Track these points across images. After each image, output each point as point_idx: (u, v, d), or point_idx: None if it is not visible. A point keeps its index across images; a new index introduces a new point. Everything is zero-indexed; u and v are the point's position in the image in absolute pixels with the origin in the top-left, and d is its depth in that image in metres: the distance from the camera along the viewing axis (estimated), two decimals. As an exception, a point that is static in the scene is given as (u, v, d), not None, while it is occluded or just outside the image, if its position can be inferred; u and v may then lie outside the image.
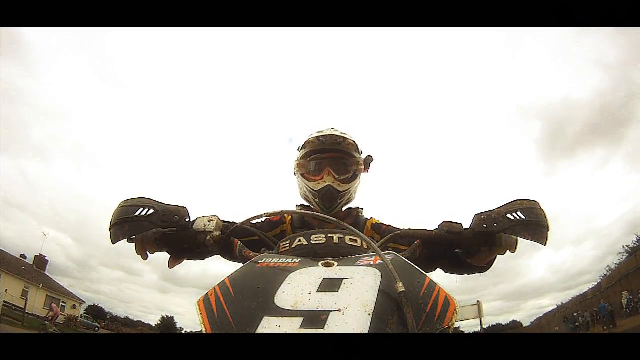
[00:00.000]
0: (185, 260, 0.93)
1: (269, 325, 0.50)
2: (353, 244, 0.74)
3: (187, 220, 0.83)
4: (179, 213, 0.81)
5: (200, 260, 0.99)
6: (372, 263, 0.64)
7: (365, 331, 0.48)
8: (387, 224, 1.27)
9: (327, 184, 1.16)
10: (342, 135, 1.22)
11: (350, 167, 1.22)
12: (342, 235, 0.75)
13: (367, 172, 1.30)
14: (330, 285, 0.57)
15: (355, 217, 1.30)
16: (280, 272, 0.62)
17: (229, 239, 0.87)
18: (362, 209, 1.35)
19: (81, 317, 29.60)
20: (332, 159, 1.21)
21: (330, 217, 0.79)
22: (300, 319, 0.50)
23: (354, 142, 1.23)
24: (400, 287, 0.53)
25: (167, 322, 50.56)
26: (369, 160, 1.29)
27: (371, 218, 1.31)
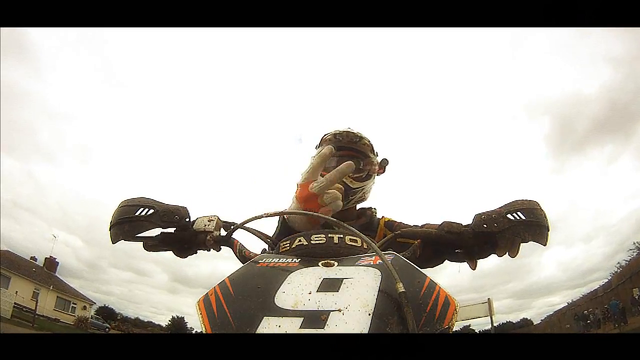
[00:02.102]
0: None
1: (269, 325, 0.49)
2: (353, 244, 0.73)
3: (187, 220, 0.83)
4: (179, 213, 0.81)
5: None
6: (372, 263, 0.63)
7: (365, 331, 0.48)
8: (399, 222, 1.27)
9: None
10: (359, 134, 1.24)
11: (364, 166, 1.24)
12: (342, 235, 0.74)
13: (382, 173, 1.31)
14: (330, 285, 0.56)
15: (369, 217, 1.31)
16: (280, 272, 0.62)
17: (229, 239, 0.87)
18: (375, 208, 1.35)
19: (91, 318, 30.00)
20: (347, 157, 1.22)
21: (331, 218, 0.78)
22: (300, 319, 0.50)
23: (369, 142, 1.26)
24: (400, 287, 0.52)
25: (177, 322, 50.95)
26: (384, 163, 1.30)
27: (383, 217, 1.32)
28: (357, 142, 1.22)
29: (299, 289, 0.56)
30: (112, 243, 0.78)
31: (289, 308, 0.52)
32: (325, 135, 1.28)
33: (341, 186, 0.89)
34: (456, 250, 0.87)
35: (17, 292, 21.51)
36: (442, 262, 0.95)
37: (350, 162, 0.85)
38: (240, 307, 0.54)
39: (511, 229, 0.76)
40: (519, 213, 0.77)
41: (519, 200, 0.80)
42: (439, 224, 0.86)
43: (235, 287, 0.58)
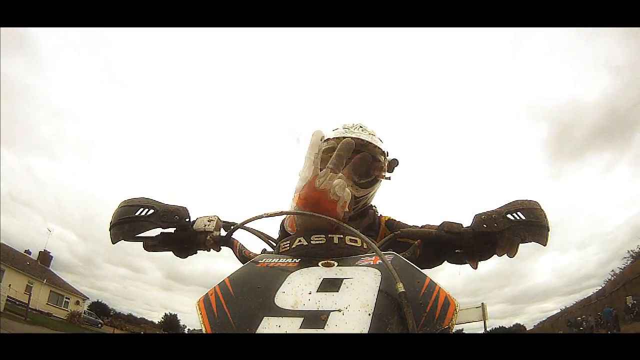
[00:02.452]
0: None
1: (269, 325, 0.49)
2: (353, 244, 0.72)
3: (187, 220, 0.83)
4: (179, 213, 0.81)
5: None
6: (372, 263, 0.63)
7: (365, 331, 0.48)
8: (398, 221, 1.26)
9: None
10: (370, 135, 1.18)
11: (372, 171, 1.18)
12: (342, 236, 0.73)
13: (389, 178, 1.24)
14: (330, 286, 0.56)
15: (372, 216, 1.27)
16: (280, 272, 0.62)
17: (229, 239, 0.86)
18: (375, 206, 1.32)
19: (84, 313, 29.84)
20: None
21: (331, 218, 0.78)
22: (300, 319, 0.50)
23: (380, 145, 1.19)
24: (400, 287, 0.52)
25: (170, 319, 50.80)
26: (393, 164, 1.25)
27: (381, 216, 1.30)
28: (367, 145, 1.16)
29: (299, 289, 0.56)
30: (112, 243, 0.78)
31: (289, 308, 0.52)
32: (334, 132, 1.22)
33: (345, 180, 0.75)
34: (456, 251, 0.86)
35: (10, 285, 21.35)
36: (441, 263, 0.94)
37: (349, 139, 0.72)
38: (240, 307, 0.54)
39: (511, 229, 0.76)
40: (519, 213, 0.77)
41: (519, 200, 0.80)
42: (439, 224, 0.86)
43: (235, 287, 0.58)
